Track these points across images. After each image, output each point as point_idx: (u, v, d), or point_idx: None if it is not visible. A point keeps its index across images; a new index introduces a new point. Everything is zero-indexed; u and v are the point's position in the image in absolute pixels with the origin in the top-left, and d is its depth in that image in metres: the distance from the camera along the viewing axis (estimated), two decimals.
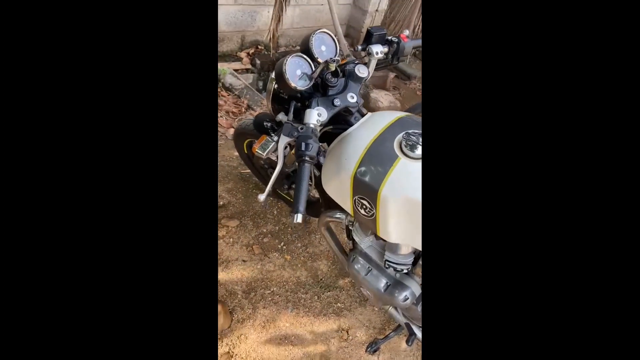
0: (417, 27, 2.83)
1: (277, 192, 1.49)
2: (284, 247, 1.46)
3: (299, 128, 0.73)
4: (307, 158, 0.69)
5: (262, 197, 0.75)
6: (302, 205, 0.67)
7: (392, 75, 2.65)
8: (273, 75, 0.85)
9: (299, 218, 0.66)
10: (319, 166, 1.02)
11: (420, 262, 0.90)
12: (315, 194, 1.35)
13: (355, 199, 0.82)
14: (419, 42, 0.88)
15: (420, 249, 0.82)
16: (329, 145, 0.91)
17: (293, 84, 0.77)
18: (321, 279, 1.39)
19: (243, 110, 2.07)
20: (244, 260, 1.38)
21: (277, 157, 0.78)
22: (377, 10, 2.82)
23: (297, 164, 0.71)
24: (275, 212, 1.59)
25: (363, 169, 0.78)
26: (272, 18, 2.04)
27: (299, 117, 0.80)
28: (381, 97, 2.44)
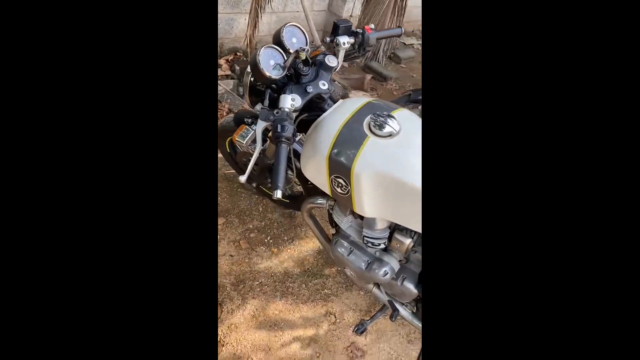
0: None
1: (261, 189, 1.53)
2: (271, 241, 1.50)
3: (275, 112, 0.78)
4: (283, 139, 0.74)
5: (242, 178, 0.79)
6: (281, 182, 0.72)
7: (368, 77, 2.76)
8: (249, 68, 0.91)
9: (278, 194, 0.72)
10: (299, 157, 1.08)
11: (396, 235, 0.96)
12: (299, 188, 1.40)
13: (332, 179, 0.89)
14: (382, 34, 0.97)
15: (391, 220, 0.89)
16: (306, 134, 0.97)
17: (267, 74, 0.83)
18: (308, 268, 1.43)
19: (224, 114, 2.12)
20: (231, 255, 1.41)
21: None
22: (351, 15, 2.94)
23: (274, 146, 0.76)
24: (260, 208, 1.63)
25: (337, 149, 0.85)
26: (248, 25, 2.11)
27: (275, 105, 0.86)
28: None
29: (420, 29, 3.77)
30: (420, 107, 2.01)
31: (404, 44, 3.41)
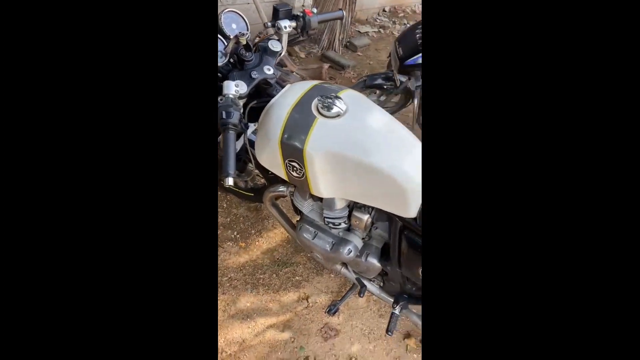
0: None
1: (222, 184, 1.51)
2: (238, 235, 1.49)
3: (219, 100, 0.77)
4: (230, 125, 0.74)
5: None
6: (231, 169, 0.72)
7: (326, 66, 2.78)
8: None
9: (229, 181, 0.72)
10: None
11: (354, 213, 0.99)
12: (263, 180, 1.39)
13: (286, 163, 0.89)
14: (323, 17, 0.98)
15: (347, 198, 0.91)
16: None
17: None
18: (278, 258, 1.44)
19: None
20: None
21: None
22: (303, 5, 2.93)
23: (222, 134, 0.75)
24: (224, 205, 1.60)
25: (287, 134, 0.85)
26: None
27: (220, 94, 0.85)
28: None
29: (374, 17, 3.83)
30: (377, 92, 2.07)
31: (359, 32, 3.46)
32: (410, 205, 0.84)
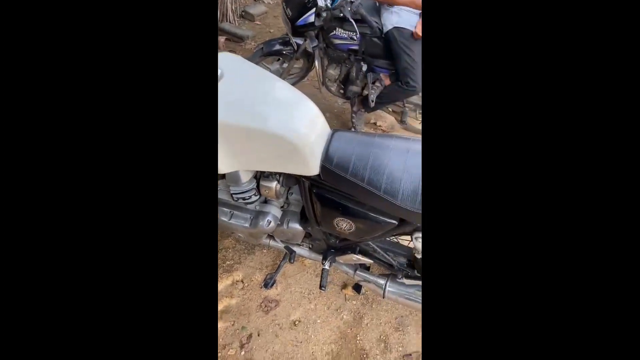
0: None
1: None
2: None
3: None
4: None
5: None
6: None
7: (222, 39, 2.59)
8: None
9: None
10: None
11: (261, 182, 0.96)
12: None
13: None
14: None
15: (248, 168, 0.88)
16: None
17: None
18: None
19: None
20: None
21: None
22: None
23: None
24: None
25: None
26: None
27: None
28: None
29: None
30: (280, 60, 1.99)
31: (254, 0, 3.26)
32: (310, 163, 0.84)
